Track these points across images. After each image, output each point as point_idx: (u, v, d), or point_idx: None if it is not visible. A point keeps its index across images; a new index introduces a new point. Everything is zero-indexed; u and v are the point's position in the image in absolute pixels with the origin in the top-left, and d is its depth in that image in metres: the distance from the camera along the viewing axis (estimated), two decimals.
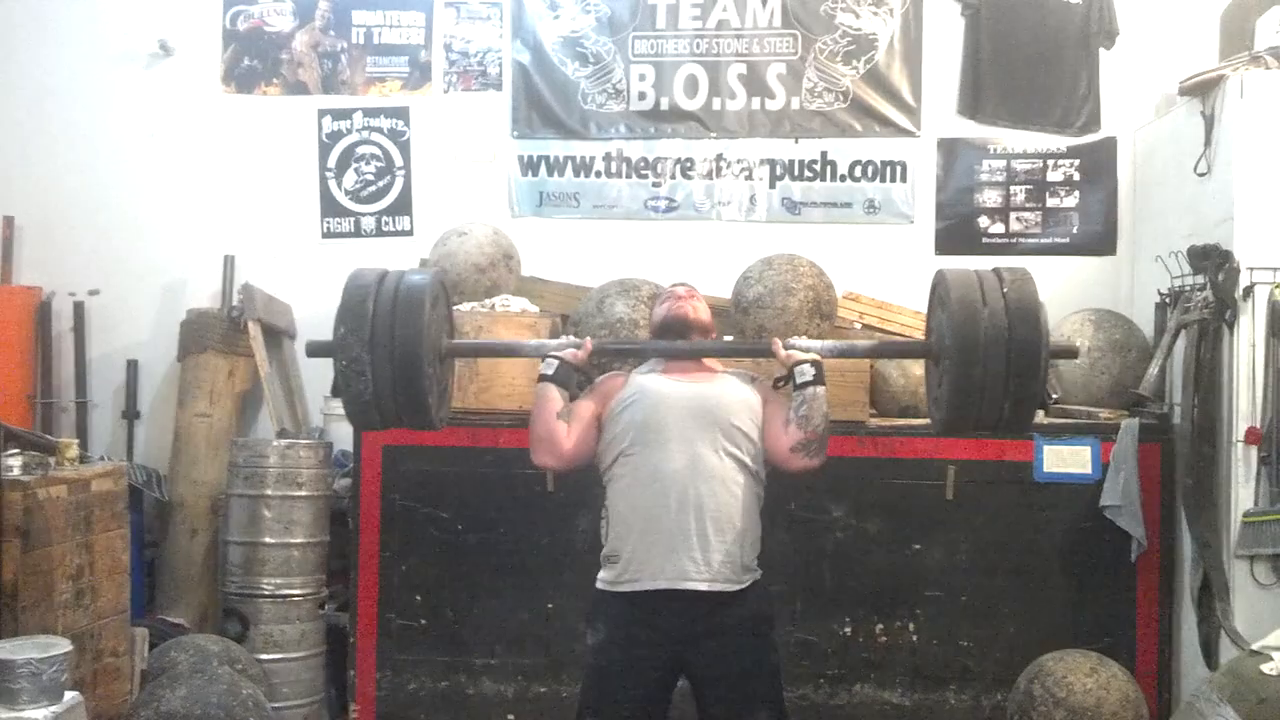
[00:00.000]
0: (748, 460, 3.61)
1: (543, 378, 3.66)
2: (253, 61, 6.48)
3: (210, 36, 6.47)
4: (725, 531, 3.53)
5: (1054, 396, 4.23)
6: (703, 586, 3.50)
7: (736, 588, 3.55)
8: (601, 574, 3.65)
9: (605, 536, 3.66)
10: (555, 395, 3.63)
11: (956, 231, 6.18)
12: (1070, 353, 4.12)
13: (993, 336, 3.37)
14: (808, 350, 3.65)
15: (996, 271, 3.55)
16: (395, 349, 3.42)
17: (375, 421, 3.60)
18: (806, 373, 3.58)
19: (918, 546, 5.15)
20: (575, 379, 3.71)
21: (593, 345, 3.74)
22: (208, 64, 6.48)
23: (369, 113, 6.43)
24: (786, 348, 3.66)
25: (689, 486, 3.52)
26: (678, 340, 3.79)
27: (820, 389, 3.58)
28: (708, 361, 3.84)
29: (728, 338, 5.57)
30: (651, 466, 3.56)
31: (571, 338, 3.81)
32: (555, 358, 3.68)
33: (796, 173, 6.26)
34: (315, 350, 3.68)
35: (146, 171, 6.45)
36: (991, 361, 3.37)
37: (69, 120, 6.46)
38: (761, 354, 3.80)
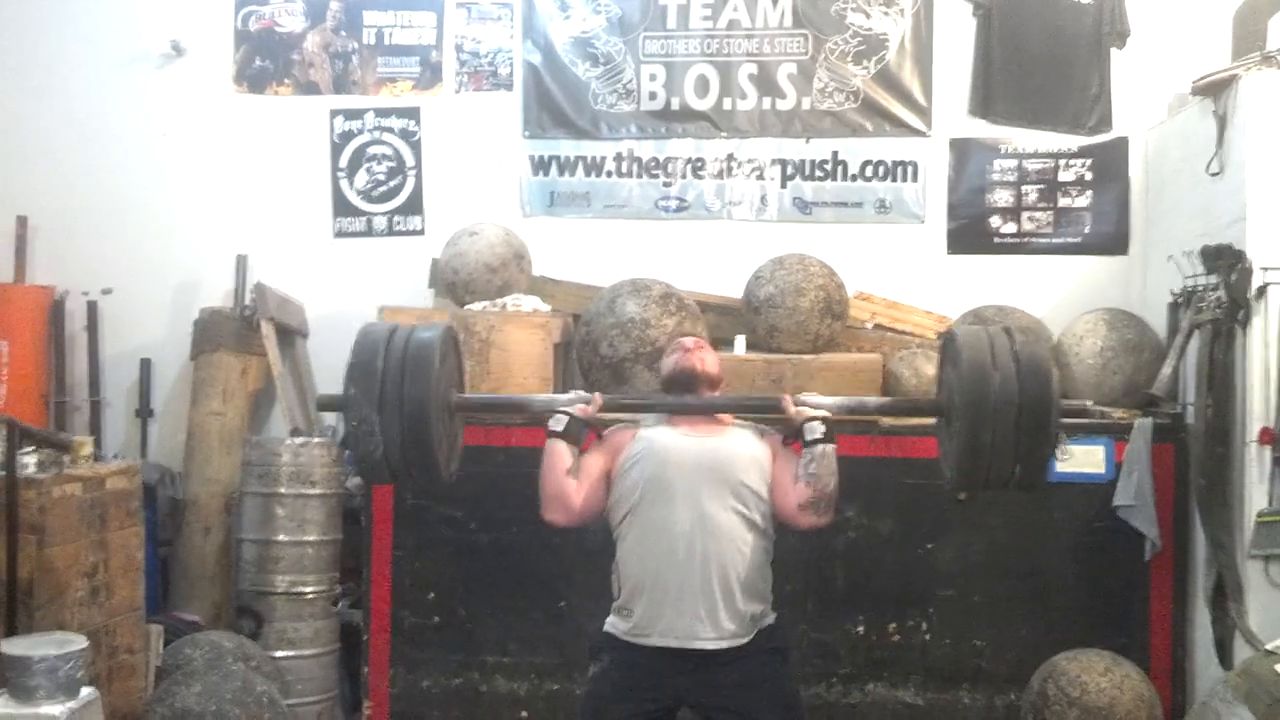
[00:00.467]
0: (756, 517, 3.58)
1: (552, 434, 3.62)
2: (264, 62, 6.49)
3: (222, 37, 6.48)
4: (734, 590, 3.51)
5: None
6: (711, 645, 3.49)
7: (746, 643, 3.54)
8: (612, 619, 3.64)
9: (617, 590, 3.64)
10: (565, 452, 3.59)
11: (968, 231, 6.17)
12: (1081, 413, 4.09)
13: (1003, 399, 3.34)
14: (818, 407, 3.63)
15: (1008, 332, 3.53)
16: (405, 409, 3.39)
17: (385, 477, 3.59)
18: (816, 430, 3.55)
19: (930, 546, 5.16)
20: (584, 434, 3.66)
21: (601, 400, 3.72)
22: (219, 64, 6.49)
23: (380, 113, 6.44)
24: (796, 404, 3.63)
25: (697, 544, 3.50)
26: (686, 394, 3.73)
27: (830, 447, 3.55)
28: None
29: (739, 338, 5.58)
30: (660, 524, 3.53)
31: (581, 393, 3.78)
32: (564, 413, 3.64)
33: (807, 172, 6.26)
34: (325, 405, 3.70)
35: (159, 171, 6.46)
36: (1001, 424, 3.34)
37: (82, 120, 6.48)
38: (771, 410, 3.74)
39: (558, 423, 3.62)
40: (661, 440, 3.63)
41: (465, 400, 3.84)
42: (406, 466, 3.47)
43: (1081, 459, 5.09)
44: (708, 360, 3.79)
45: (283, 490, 5.40)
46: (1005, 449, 3.37)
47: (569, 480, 3.58)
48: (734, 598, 3.50)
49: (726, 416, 3.79)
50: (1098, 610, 5.12)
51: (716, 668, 3.49)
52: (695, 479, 3.54)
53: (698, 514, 3.51)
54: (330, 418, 6.18)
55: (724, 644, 3.50)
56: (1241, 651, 4.62)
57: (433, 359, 3.44)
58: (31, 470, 4.22)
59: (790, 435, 3.69)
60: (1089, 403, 4.85)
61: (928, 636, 5.16)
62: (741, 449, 3.64)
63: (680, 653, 3.49)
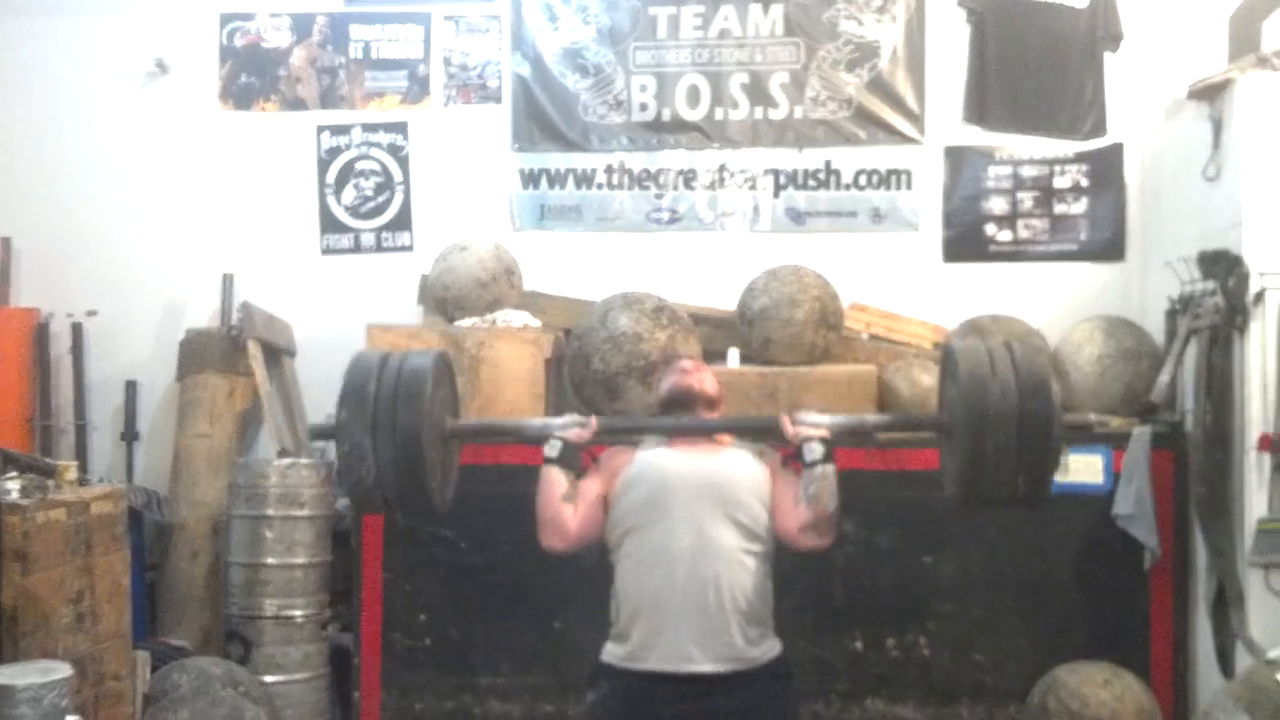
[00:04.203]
0: (755, 539, 3.51)
1: (547, 461, 3.59)
2: (250, 78, 6.44)
3: (207, 54, 6.43)
4: (732, 612, 3.43)
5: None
6: (707, 669, 3.41)
7: (745, 668, 3.46)
8: (609, 646, 3.57)
9: (615, 615, 3.57)
10: (560, 478, 3.56)
11: (964, 239, 6.11)
12: (1083, 426, 4.05)
13: (1003, 413, 3.31)
14: (816, 426, 3.58)
15: (1008, 345, 3.51)
16: (397, 435, 3.36)
17: (378, 506, 3.57)
18: (816, 451, 3.50)
19: (928, 559, 5.11)
20: (579, 459, 3.64)
21: (597, 424, 3.68)
22: (205, 81, 6.44)
23: (368, 128, 6.39)
24: (795, 424, 3.58)
25: (695, 565, 3.43)
26: (684, 414, 3.70)
27: (830, 467, 3.50)
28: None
29: (732, 351, 5.53)
30: (657, 545, 3.47)
31: (576, 416, 3.72)
32: (559, 439, 3.60)
33: (800, 182, 6.21)
34: (318, 434, 3.68)
35: (144, 190, 6.41)
36: (1002, 438, 3.31)
37: (66, 140, 6.43)
38: (769, 430, 3.69)
39: (552, 449, 3.59)
40: (660, 461, 3.58)
41: (459, 427, 3.80)
42: (400, 495, 3.45)
43: (1080, 468, 5.05)
44: (706, 381, 3.76)
45: (271, 512, 5.34)
46: (1007, 463, 3.33)
47: (565, 506, 3.54)
48: (733, 621, 3.43)
49: (725, 437, 3.73)
50: (1098, 621, 5.07)
51: (716, 695, 3.41)
52: (694, 500, 3.48)
53: (697, 535, 3.45)
54: None
55: (722, 668, 3.41)
56: (1243, 660, 4.56)
57: (425, 385, 3.41)
58: (15, 496, 4.16)
59: (790, 456, 3.65)
60: (1091, 415, 4.80)
61: (927, 651, 5.10)
62: (740, 470, 3.58)
63: (677, 678, 3.41)
